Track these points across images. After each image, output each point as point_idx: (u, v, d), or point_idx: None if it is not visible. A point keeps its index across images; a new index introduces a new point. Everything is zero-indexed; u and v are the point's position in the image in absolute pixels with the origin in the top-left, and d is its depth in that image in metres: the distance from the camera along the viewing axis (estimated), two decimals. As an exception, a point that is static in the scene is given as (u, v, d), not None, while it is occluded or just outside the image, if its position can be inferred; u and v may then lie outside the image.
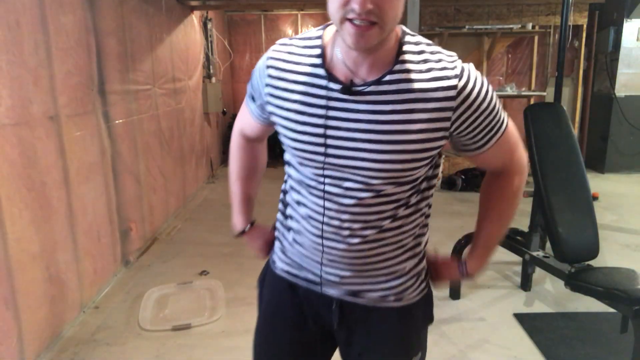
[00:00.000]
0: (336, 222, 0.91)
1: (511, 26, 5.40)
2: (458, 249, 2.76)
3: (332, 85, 0.86)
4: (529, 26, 5.41)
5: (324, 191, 0.91)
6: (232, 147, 1.17)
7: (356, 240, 0.91)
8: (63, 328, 2.41)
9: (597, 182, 5.27)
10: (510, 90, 5.47)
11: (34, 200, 2.19)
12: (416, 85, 0.83)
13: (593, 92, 5.96)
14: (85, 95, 2.69)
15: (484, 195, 1.05)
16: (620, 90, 5.52)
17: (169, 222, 4.14)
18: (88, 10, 2.73)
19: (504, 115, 0.92)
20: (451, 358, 2.21)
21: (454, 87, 0.83)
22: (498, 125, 0.90)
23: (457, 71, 0.84)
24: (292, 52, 0.92)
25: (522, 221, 2.94)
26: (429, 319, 1.08)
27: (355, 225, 0.90)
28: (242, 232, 1.16)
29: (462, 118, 0.85)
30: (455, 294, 2.77)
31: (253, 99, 1.01)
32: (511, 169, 0.99)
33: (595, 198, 4.53)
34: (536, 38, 5.66)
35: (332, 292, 0.98)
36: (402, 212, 0.92)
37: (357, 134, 0.85)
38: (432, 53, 0.86)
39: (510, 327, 2.47)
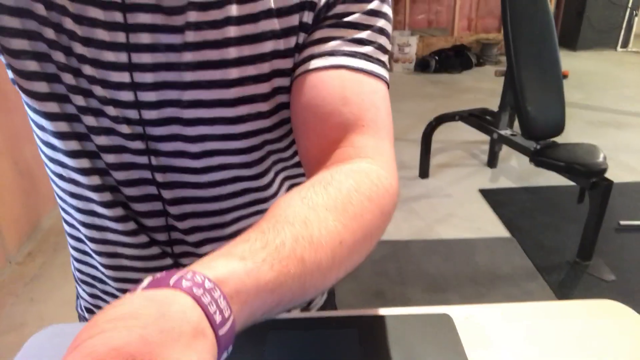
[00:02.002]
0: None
1: None
2: (429, 131, 2.81)
3: None
4: None
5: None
6: None
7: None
8: (41, 220, 2.44)
9: (568, 60, 5.26)
10: (488, -37, 5.17)
11: (-11, 92, 2.07)
12: None
13: (573, -36, 5.71)
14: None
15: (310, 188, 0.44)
16: (601, -39, 5.29)
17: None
18: None
19: None
20: (419, 231, 2.36)
21: None
22: (370, 38, 0.51)
23: None
24: None
25: (492, 101, 2.96)
26: None
27: None
28: None
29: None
30: (424, 174, 2.87)
31: None
32: (372, 155, 0.48)
33: (565, 76, 4.56)
34: None
35: None
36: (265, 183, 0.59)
37: (189, 72, 0.48)
38: None
39: (475, 202, 2.61)
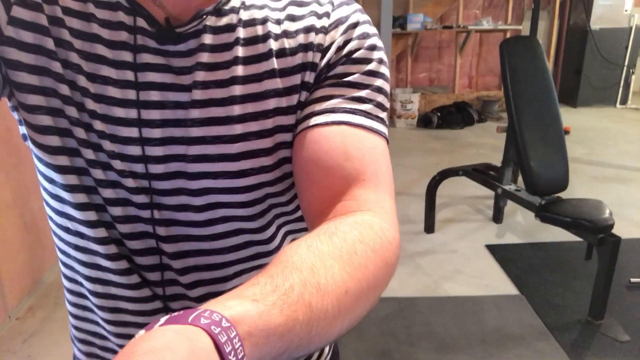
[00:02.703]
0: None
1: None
2: (433, 185, 2.82)
3: (143, 24, 0.49)
4: (507, -44, 5.26)
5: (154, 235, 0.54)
6: None
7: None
8: (44, 274, 2.42)
9: (569, 117, 5.35)
10: (486, 24, 5.39)
11: (0, 147, 2.12)
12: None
13: (569, 25, 5.92)
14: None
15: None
16: (596, 23, 5.49)
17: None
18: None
19: None
20: (426, 288, 2.32)
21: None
22: (372, 98, 0.54)
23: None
24: None
25: (495, 156, 2.99)
26: None
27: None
28: None
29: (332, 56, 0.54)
30: (429, 228, 2.86)
31: None
32: (373, 209, 0.49)
33: (567, 132, 4.62)
34: (514, -31, 5.52)
35: None
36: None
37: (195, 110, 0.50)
38: None
39: (482, 258, 2.58)
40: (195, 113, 0.50)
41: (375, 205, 0.48)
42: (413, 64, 5.89)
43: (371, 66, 0.53)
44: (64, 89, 0.49)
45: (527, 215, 3.02)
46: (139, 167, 0.51)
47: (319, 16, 0.53)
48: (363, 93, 0.52)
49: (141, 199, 0.52)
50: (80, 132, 0.50)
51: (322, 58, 0.52)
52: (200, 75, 0.50)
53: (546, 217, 2.10)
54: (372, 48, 0.53)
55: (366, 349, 1.90)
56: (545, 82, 2.31)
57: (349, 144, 0.49)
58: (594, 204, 2.05)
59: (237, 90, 0.51)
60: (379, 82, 0.53)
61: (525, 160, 2.17)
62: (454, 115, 5.25)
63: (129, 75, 0.49)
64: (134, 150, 0.50)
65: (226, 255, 0.56)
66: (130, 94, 0.49)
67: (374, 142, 0.51)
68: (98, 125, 0.49)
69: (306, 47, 0.52)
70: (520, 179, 2.44)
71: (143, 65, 0.49)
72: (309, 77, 0.52)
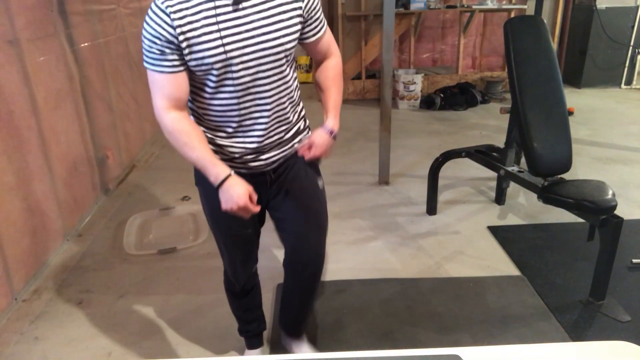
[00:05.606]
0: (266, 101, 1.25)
1: None
2: (435, 167, 2.81)
3: (220, 2, 1.12)
4: None
5: (241, 82, 1.20)
6: (171, 126, 1.22)
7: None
8: (48, 256, 2.44)
9: (573, 97, 5.31)
10: (490, 4, 5.31)
11: (2, 130, 2.11)
12: None
13: (574, 4, 5.83)
14: (44, 16, 2.52)
15: (322, 75, 1.39)
16: (602, 2, 5.40)
17: (146, 149, 4.08)
18: None
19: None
20: (428, 269, 2.33)
21: None
22: (324, 18, 1.32)
23: None
24: None
25: (498, 138, 2.97)
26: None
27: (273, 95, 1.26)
28: (227, 177, 1.21)
29: (308, 10, 1.24)
30: (431, 210, 2.86)
31: (164, 53, 1.14)
32: (334, 54, 1.41)
33: (570, 113, 4.58)
34: (519, -54, 5.41)
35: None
36: (289, 77, 1.28)
37: (252, 31, 1.15)
38: None
39: (484, 239, 2.59)
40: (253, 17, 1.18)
41: (335, 53, 1.42)
42: (416, 45, 5.82)
43: (318, 6, 1.29)
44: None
45: (529, 197, 3.02)
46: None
47: None
48: (322, 17, 1.31)
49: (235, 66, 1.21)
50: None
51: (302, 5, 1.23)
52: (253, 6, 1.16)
53: (549, 198, 2.10)
54: None
55: (369, 329, 1.92)
56: (549, 62, 2.28)
57: (328, 39, 1.38)
58: (597, 185, 2.04)
59: (271, 6, 1.18)
60: (320, 8, 1.30)
61: (529, 142, 2.16)
62: (457, 97, 5.21)
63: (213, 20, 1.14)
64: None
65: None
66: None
67: (330, 32, 1.38)
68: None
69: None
70: (523, 160, 2.43)
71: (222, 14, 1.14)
72: (299, 12, 1.22)
